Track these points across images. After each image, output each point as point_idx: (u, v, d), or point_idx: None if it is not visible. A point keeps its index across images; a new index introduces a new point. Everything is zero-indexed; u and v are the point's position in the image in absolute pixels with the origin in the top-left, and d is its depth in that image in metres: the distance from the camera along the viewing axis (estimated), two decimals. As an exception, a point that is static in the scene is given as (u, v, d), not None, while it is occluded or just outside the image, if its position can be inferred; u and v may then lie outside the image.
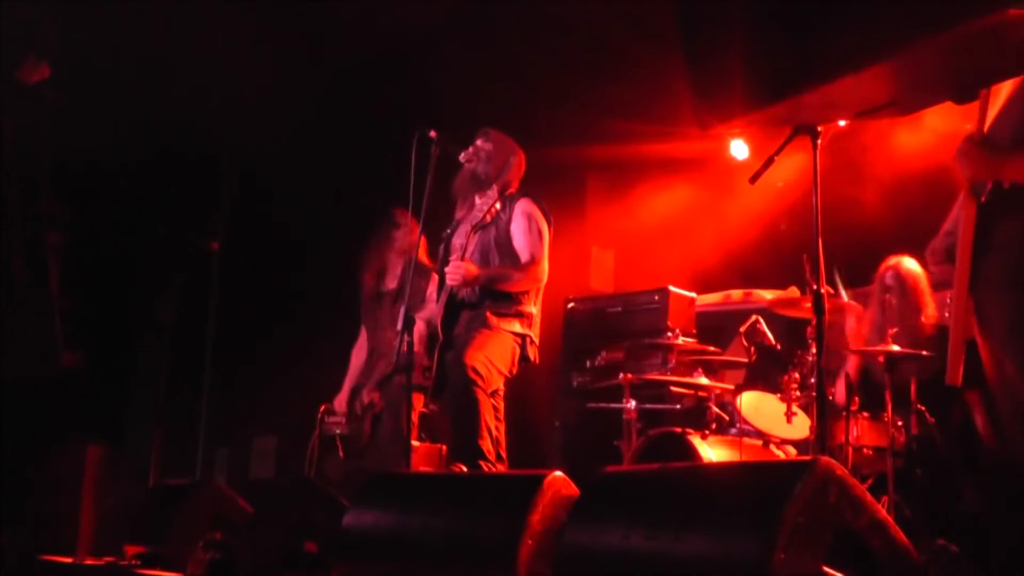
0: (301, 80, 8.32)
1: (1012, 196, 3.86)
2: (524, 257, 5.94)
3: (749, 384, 6.67)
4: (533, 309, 6.01)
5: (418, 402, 6.76)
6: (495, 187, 5.77)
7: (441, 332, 5.88)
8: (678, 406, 7.18)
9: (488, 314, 5.84)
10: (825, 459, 2.97)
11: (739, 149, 8.71)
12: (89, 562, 5.95)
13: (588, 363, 7.92)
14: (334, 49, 8.01)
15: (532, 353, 5.99)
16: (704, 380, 6.76)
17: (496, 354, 5.80)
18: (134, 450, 8.76)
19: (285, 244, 8.60)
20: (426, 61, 8.22)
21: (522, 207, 5.98)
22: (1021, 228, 3.90)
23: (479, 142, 6.15)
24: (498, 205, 5.74)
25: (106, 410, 8.48)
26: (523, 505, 3.57)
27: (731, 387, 6.74)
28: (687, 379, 6.84)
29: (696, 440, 6.20)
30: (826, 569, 2.84)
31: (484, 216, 5.71)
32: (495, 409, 5.81)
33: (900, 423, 5.77)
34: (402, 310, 6.04)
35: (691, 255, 8.72)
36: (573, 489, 3.73)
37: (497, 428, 5.80)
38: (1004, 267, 3.90)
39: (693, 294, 7.98)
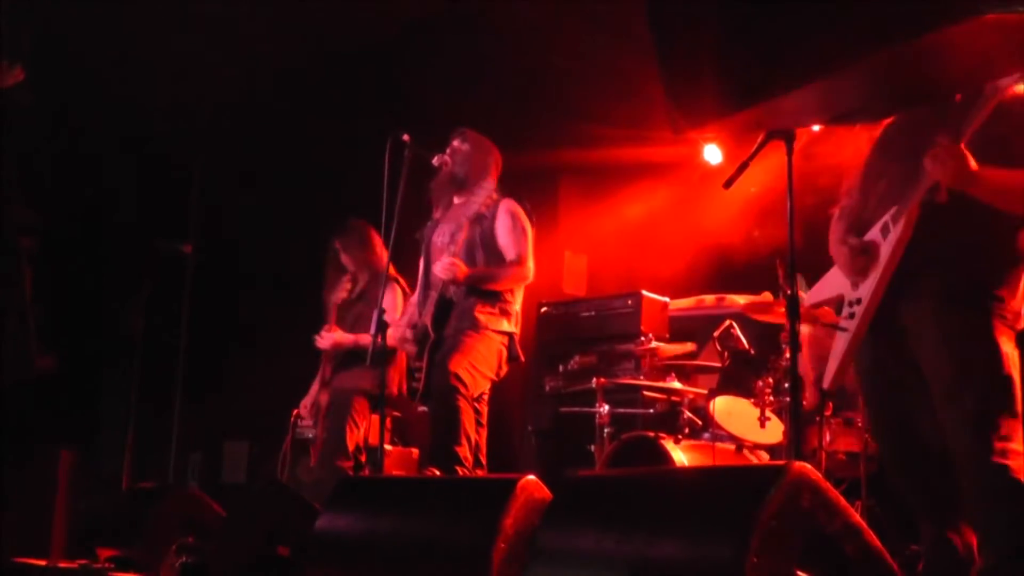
0: (272, 81, 8.29)
1: (950, 211, 3.91)
2: (509, 255, 5.98)
3: (722, 389, 6.68)
4: (517, 307, 6.07)
5: (364, 407, 6.81)
6: (491, 179, 5.80)
7: (432, 331, 5.92)
8: (651, 410, 7.19)
9: (476, 313, 5.88)
10: (799, 464, 2.96)
11: (712, 153, 8.73)
12: (62, 565, 5.93)
13: (561, 367, 7.92)
14: (306, 52, 7.98)
15: (518, 352, 6.04)
16: (677, 384, 6.77)
17: (481, 359, 5.85)
18: (106, 455, 8.72)
19: (258, 247, 8.57)
20: (399, 65, 8.20)
21: (506, 206, 6.03)
22: (962, 243, 3.96)
23: (456, 143, 6.18)
24: (495, 195, 5.83)
25: (78, 415, 8.44)
26: (496, 509, 3.56)
27: (704, 391, 6.74)
28: (660, 383, 6.85)
29: (669, 444, 6.20)
30: (799, 574, 2.84)
31: (480, 207, 5.80)
32: (477, 414, 5.81)
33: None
34: (374, 314, 6.04)
35: (664, 259, 8.73)
36: (546, 493, 3.72)
37: (478, 433, 5.80)
38: (945, 282, 3.95)
39: (666, 298, 7.98)
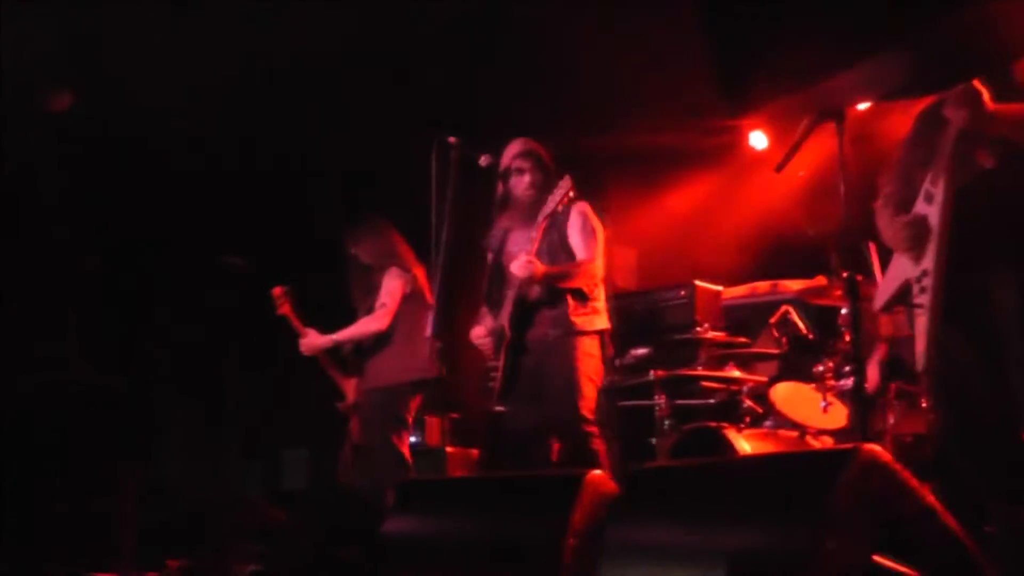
0: (319, 86, 8.29)
1: (1002, 174, 3.88)
2: (580, 254, 5.90)
3: (782, 375, 6.63)
4: (602, 304, 5.98)
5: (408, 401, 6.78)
6: (567, 178, 5.71)
7: (509, 330, 5.81)
8: (711, 401, 7.15)
9: (572, 317, 5.79)
10: (869, 446, 2.93)
11: (759, 139, 8.67)
12: (133, 576, 6.00)
13: (616, 362, 7.86)
14: (354, 51, 7.97)
15: (611, 347, 6.06)
16: (736, 373, 6.73)
17: (591, 371, 5.78)
18: (168, 467, 8.77)
19: (310, 253, 8.59)
20: (444, 60, 8.19)
21: (579, 208, 5.96)
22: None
23: (524, 164, 6.03)
24: (571, 193, 5.70)
25: (140, 428, 8.51)
26: (565, 505, 3.55)
27: (764, 379, 6.70)
28: (719, 373, 6.81)
29: (731, 434, 6.16)
30: (876, 558, 2.80)
31: (555, 206, 5.68)
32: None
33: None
34: (429, 316, 6.01)
35: (714, 248, 8.68)
36: (612, 487, 3.70)
37: None
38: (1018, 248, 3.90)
39: (719, 287, 7.94)
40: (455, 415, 7.65)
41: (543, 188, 5.95)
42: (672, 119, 8.14)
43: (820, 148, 4.87)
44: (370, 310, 6.94)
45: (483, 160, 6.00)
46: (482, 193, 6.29)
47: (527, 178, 6.01)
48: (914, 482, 2.96)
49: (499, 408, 5.87)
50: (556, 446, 5.81)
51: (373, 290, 6.97)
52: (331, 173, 9.24)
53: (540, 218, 5.73)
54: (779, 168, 4.53)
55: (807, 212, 7.65)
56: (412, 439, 7.63)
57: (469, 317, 6.23)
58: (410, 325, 6.76)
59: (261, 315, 8.87)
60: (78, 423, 7.53)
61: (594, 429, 5.65)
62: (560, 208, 5.72)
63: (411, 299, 6.87)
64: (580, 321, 5.80)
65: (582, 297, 5.85)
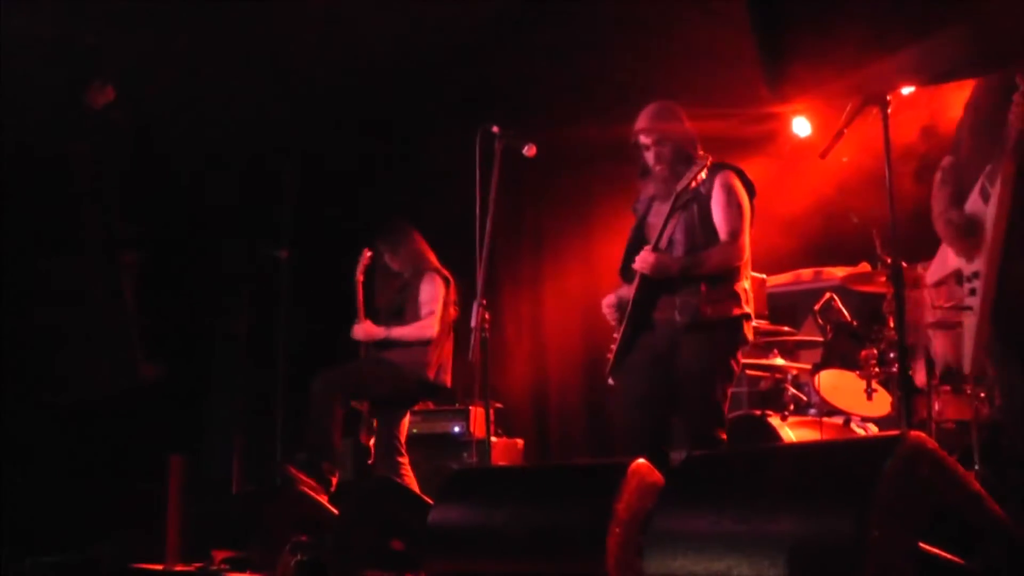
0: (362, 77, 8.31)
1: None
2: (722, 235, 5.31)
3: (826, 363, 6.60)
4: (746, 285, 5.39)
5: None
6: (697, 162, 5.25)
7: (633, 306, 5.34)
8: (755, 389, 7.13)
9: (702, 302, 5.20)
10: (915, 433, 2.92)
11: (801, 126, 8.61)
12: (179, 568, 6.04)
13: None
14: (397, 43, 7.99)
15: (750, 333, 5.38)
16: (780, 361, 6.71)
17: (726, 367, 5.26)
18: (215, 459, 8.83)
19: (353, 247, 8.65)
20: (484, 54, 8.20)
21: (722, 179, 5.40)
22: None
23: (643, 141, 5.55)
24: (703, 174, 5.20)
25: (185, 421, 8.57)
26: (609, 493, 3.56)
27: (808, 367, 6.68)
28: (763, 361, 6.79)
29: (776, 422, 6.15)
30: (922, 546, 2.80)
31: (683, 192, 5.20)
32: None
33: (983, 395, 5.66)
34: (475, 307, 5.98)
35: (757, 236, 8.62)
36: (657, 476, 3.72)
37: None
38: None
39: (763, 275, 7.91)
40: (498, 404, 7.66)
41: (674, 161, 5.45)
42: (713, 107, 8.09)
43: (864, 134, 4.83)
44: (400, 310, 7.08)
45: (527, 149, 5.82)
46: (526, 182, 6.27)
47: (652, 153, 5.51)
48: (960, 469, 2.95)
49: (610, 381, 5.51)
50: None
51: (401, 292, 7.10)
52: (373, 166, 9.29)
53: (671, 200, 5.28)
54: (823, 154, 4.52)
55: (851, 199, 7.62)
56: (456, 429, 7.72)
57: (512, 306, 6.22)
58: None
59: (307, 306, 8.94)
60: (127, 415, 7.61)
61: (721, 436, 5.20)
62: (694, 188, 5.23)
63: (446, 304, 7.06)
64: (712, 308, 5.24)
65: (718, 281, 5.28)
